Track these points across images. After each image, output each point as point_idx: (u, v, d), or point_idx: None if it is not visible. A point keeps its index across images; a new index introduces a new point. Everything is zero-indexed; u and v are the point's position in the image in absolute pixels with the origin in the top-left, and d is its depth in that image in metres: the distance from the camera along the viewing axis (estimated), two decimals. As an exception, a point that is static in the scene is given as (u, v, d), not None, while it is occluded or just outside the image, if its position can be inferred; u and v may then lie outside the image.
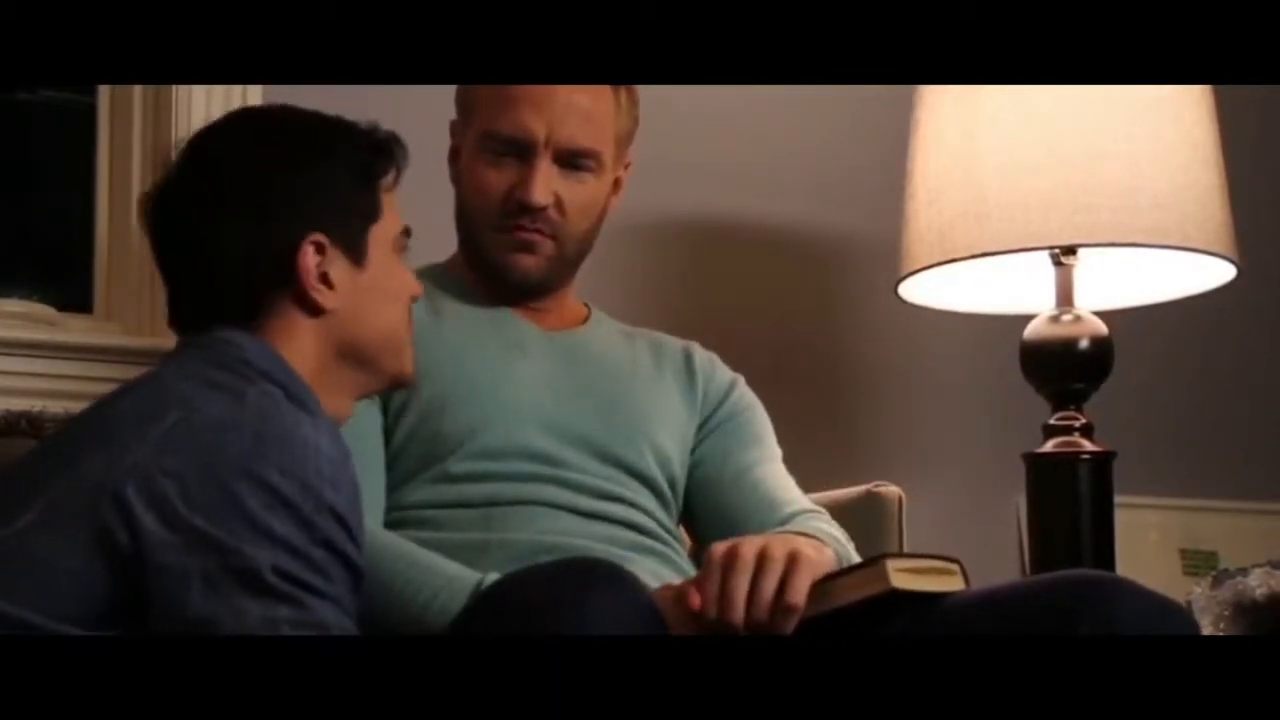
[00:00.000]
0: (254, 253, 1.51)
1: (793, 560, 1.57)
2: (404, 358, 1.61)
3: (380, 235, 1.56)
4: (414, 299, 1.63)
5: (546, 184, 1.80)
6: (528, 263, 1.83)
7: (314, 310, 1.52)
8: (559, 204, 1.81)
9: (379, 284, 1.56)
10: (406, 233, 1.61)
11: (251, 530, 1.34)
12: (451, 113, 1.90)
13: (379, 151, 1.58)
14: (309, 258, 1.51)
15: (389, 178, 1.58)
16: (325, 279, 1.52)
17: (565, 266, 1.86)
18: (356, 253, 1.54)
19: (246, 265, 1.51)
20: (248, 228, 1.51)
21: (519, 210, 1.80)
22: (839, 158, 2.70)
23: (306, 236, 1.51)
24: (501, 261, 1.84)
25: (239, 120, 1.61)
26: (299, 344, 1.52)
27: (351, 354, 1.55)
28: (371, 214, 1.56)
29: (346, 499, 1.39)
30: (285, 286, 1.51)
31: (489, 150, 1.82)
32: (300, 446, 1.37)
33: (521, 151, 1.80)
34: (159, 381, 1.47)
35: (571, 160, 1.81)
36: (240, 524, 1.34)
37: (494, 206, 1.82)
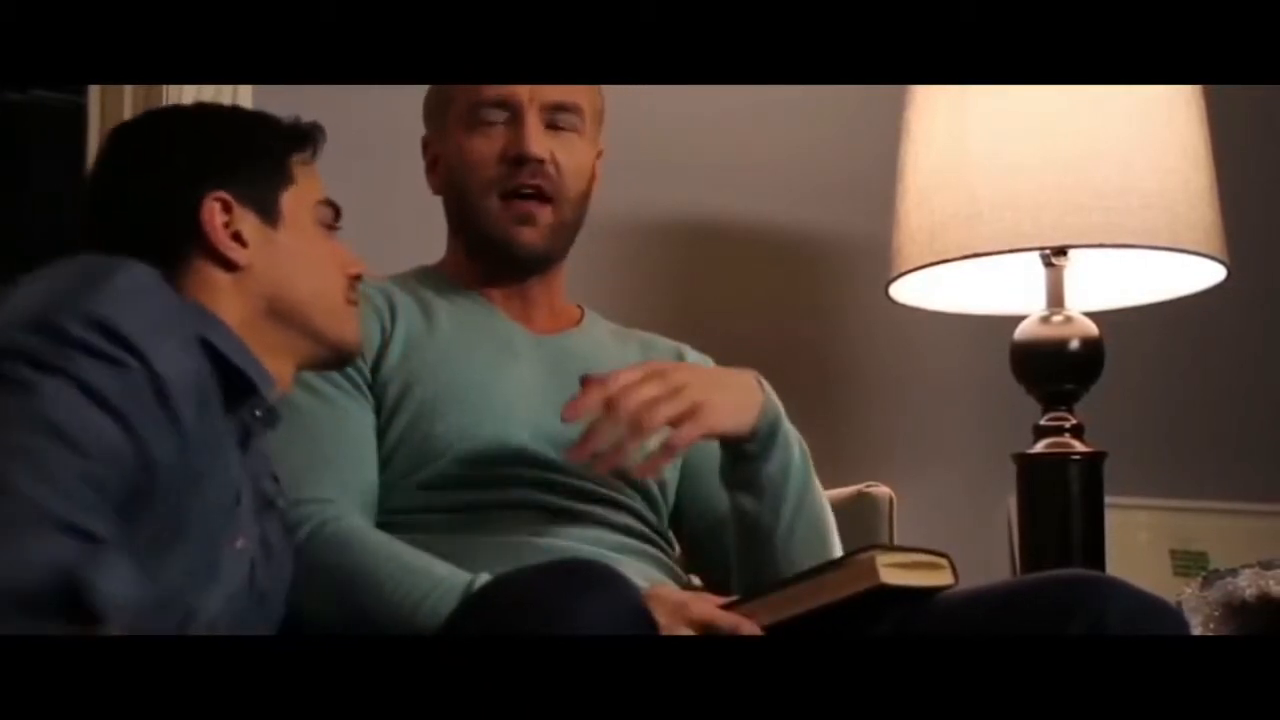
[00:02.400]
0: (159, 212, 1.53)
1: (695, 409, 1.63)
2: (341, 322, 1.60)
3: (296, 202, 1.58)
4: (357, 276, 1.62)
5: (540, 137, 1.82)
6: (529, 235, 1.83)
7: (228, 266, 1.53)
8: (554, 160, 1.83)
9: (297, 246, 1.57)
10: (336, 211, 1.61)
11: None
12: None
13: (293, 133, 1.60)
14: (215, 215, 1.52)
15: (304, 154, 1.60)
16: (238, 237, 1.54)
17: (563, 235, 1.87)
18: (268, 212, 1.55)
19: (153, 225, 1.53)
20: (151, 189, 1.54)
21: (517, 165, 1.81)
22: (830, 158, 2.70)
23: (210, 194, 1.53)
24: (503, 236, 1.84)
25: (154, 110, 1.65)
26: (220, 301, 1.53)
27: (277, 312, 1.55)
28: (281, 178, 1.57)
29: (127, 311, 1.36)
30: (198, 246, 1.53)
31: (477, 121, 1.83)
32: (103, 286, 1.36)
33: (510, 111, 1.82)
34: None
35: (558, 115, 1.83)
36: None
37: (490, 170, 1.82)
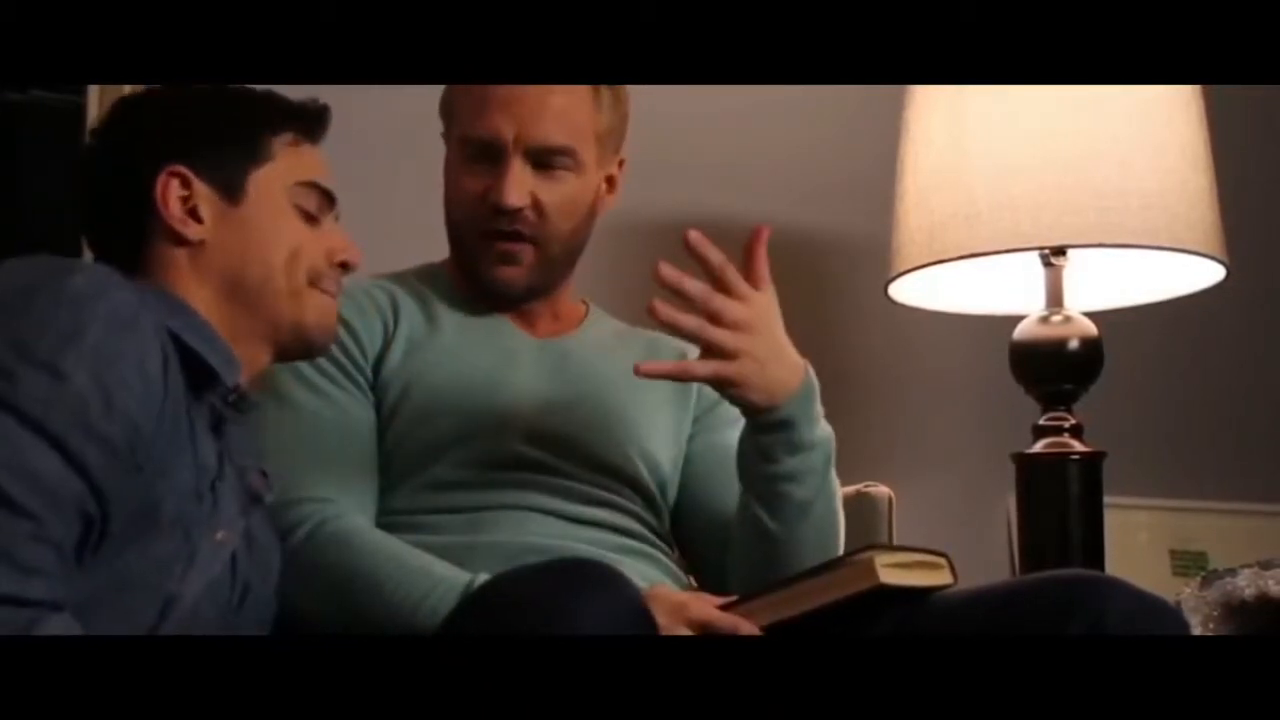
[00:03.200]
0: (118, 189, 1.52)
1: (731, 355, 1.64)
2: (298, 307, 1.55)
3: (267, 180, 1.55)
4: (342, 265, 1.59)
5: (520, 185, 1.78)
6: (510, 274, 1.82)
7: (182, 242, 1.52)
8: (536, 205, 1.79)
9: (260, 224, 1.54)
10: (325, 195, 1.58)
11: None
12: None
13: (281, 112, 1.58)
14: (169, 189, 1.51)
15: (287, 134, 1.57)
16: (194, 213, 1.52)
17: (552, 270, 1.85)
18: (230, 189, 1.53)
19: (117, 203, 1.52)
20: (111, 166, 1.53)
21: (494, 213, 1.79)
22: (830, 158, 2.71)
23: (166, 168, 1.51)
24: (485, 274, 1.83)
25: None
26: (181, 281, 1.51)
27: (233, 291, 1.53)
28: (250, 154, 1.55)
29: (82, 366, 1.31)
30: (156, 223, 1.51)
31: (465, 157, 1.81)
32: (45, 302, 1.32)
33: (494, 154, 1.79)
34: None
35: (546, 159, 1.79)
36: None
37: (471, 212, 1.81)
